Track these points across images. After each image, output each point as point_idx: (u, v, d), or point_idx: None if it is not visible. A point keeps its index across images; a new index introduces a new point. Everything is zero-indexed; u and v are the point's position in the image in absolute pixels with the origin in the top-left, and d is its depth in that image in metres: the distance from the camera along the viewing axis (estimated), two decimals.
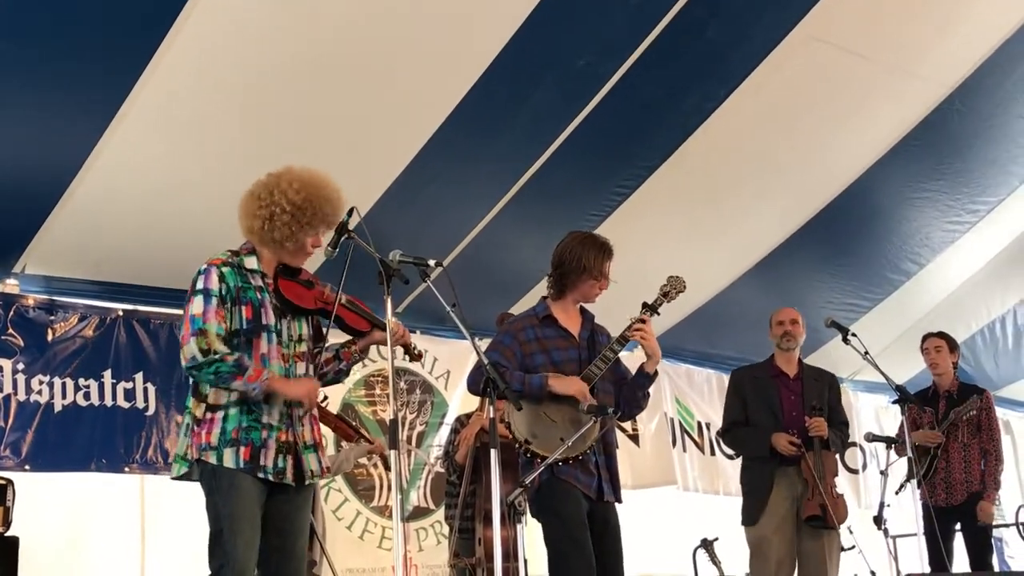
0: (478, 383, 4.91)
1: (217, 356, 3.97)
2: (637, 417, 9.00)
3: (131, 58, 5.43)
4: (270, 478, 4.06)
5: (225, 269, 4.15)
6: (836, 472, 6.60)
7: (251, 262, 4.24)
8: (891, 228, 8.95)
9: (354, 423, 7.14)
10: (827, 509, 6.34)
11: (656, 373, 5.31)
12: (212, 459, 4.00)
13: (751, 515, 6.55)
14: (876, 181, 8.16)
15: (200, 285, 4.09)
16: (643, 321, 5.18)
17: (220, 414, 4.05)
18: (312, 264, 4.63)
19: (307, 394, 4.16)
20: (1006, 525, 10.63)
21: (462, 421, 7.22)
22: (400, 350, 4.49)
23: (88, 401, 6.65)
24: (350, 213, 4.35)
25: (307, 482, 4.20)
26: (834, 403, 6.76)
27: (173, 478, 4.20)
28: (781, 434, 6.48)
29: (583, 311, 5.39)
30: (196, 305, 4.05)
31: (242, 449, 4.02)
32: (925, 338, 7.87)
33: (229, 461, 4.00)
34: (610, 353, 5.16)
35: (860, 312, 9.47)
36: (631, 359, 5.71)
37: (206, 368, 3.97)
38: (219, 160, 6.12)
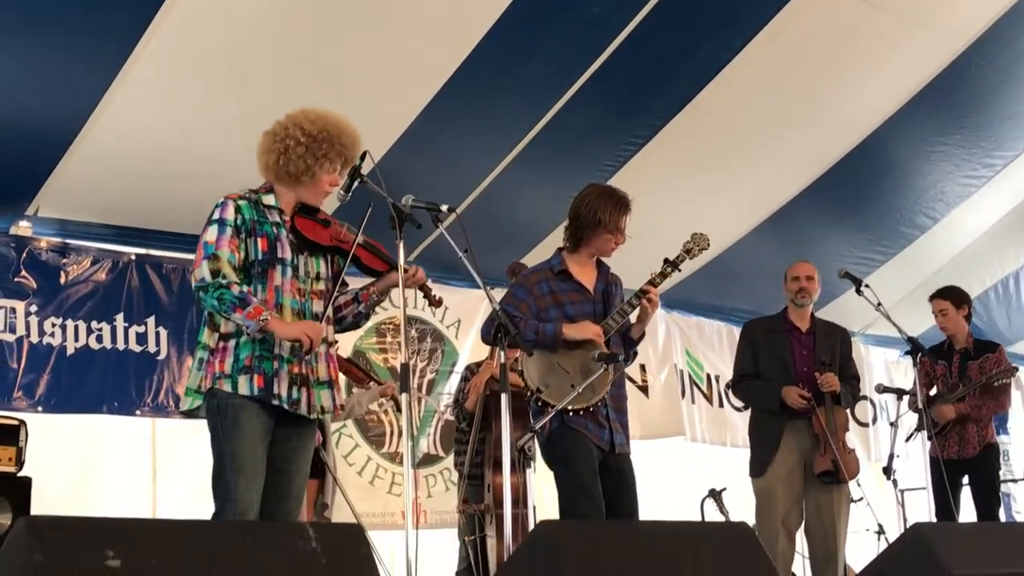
0: (491, 331, 4.92)
1: (225, 282, 3.98)
2: (647, 368, 9.08)
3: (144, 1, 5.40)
4: (284, 406, 4.08)
5: (241, 202, 4.17)
6: (847, 427, 6.60)
7: (269, 199, 4.25)
8: (906, 182, 8.91)
9: (365, 367, 7.17)
10: (839, 464, 6.34)
11: (642, 337, 5.32)
12: (227, 386, 4.02)
13: (759, 467, 6.54)
14: (892, 135, 8.11)
15: (216, 215, 4.12)
16: (653, 284, 5.17)
17: (232, 343, 4.07)
18: (327, 209, 4.63)
19: (303, 333, 4.10)
20: (1014, 480, 10.68)
21: (472, 369, 7.25)
22: (418, 294, 4.50)
23: (100, 344, 6.69)
24: (363, 158, 4.34)
25: (313, 416, 4.21)
26: (845, 358, 6.74)
27: (183, 411, 4.20)
28: (792, 387, 6.47)
29: (599, 263, 5.38)
30: (210, 233, 4.08)
31: (255, 376, 4.04)
32: (931, 299, 7.79)
33: (244, 388, 4.02)
34: (628, 307, 5.17)
35: (873, 266, 9.45)
36: None
37: (212, 290, 3.98)
38: (232, 105, 6.10)
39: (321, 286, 4.30)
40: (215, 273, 3.99)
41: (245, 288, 4.03)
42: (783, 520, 6.40)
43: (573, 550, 3.52)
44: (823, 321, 6.89)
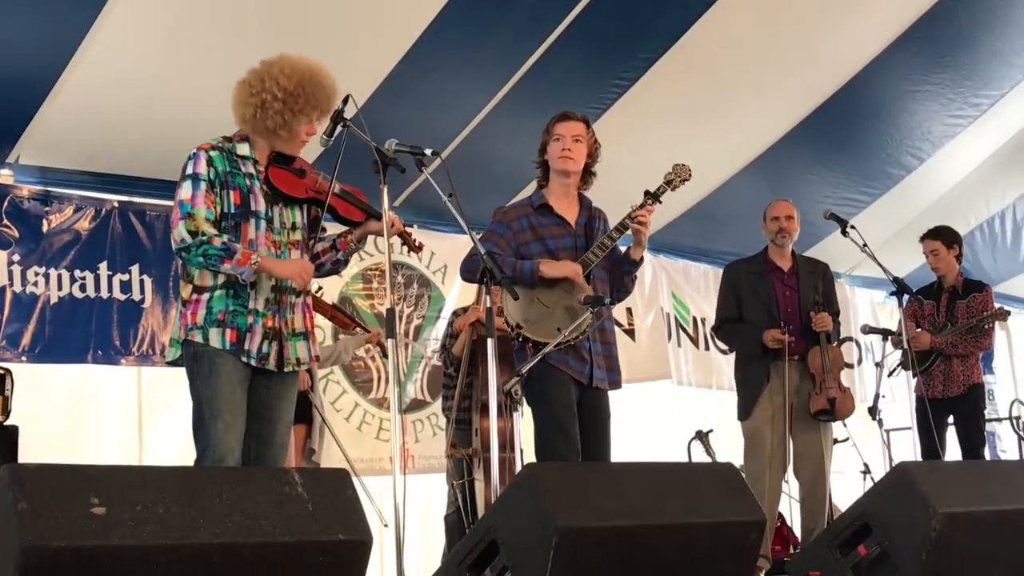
0: (473, 272, 4.92)
1: (205, 238, 3.97)
2: (633, 312, 9.08)
3: None
4: (252, 363, 4.08)
5: (213, 153, 4.13)
6: (842, 366, 6.63)
7: (243, 148, 4.22)
8: (892, 122, 8.88)
9: (351, 313, 7.16)
10: (836, 402, 6.39)
11: (642, 259, 5.31)
12: (198, 338, 4.02)
13: (745, 409, 6.57)
14: (877, 75, 8.07)
15: (189, 170, 4.09)
16: (645, 209, 5.15)
17: (206, 296, 4.07)
18: (309, 153, 4.59)
19: (297, 274, 4.13)
20: (999, 419, 10.74)
21: (458, 314, 7.24)
22: (398, 241, 4.48)
23: (84, 293, 6.66)
24: (345, 101, 4.30)
25: (287, 369, 4.20)
26: (828, 293, 6.75)
27: (168, 362, 4.24)
28: (770, 330, 6.49)
29: (581, 197, 5.37)
30: (185, 190, 4.05)
31: (228, 331, 4.05)
32: (921, 240, 7.78)
33: (215, 341, 4.03)
34: (608, 241, 5.16)
35: (859, 207, 9.43)
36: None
37: (195, 250, 3.97)
38: (213, 50, 6.03)
39: (297, 236, 4.27)
40: (194, 234, 3.97)
41: (225, 237, 4.03)
42: (770, 460, 6.43)
43: (559, 492, 3.53)
44: (804, 258, 6.89)
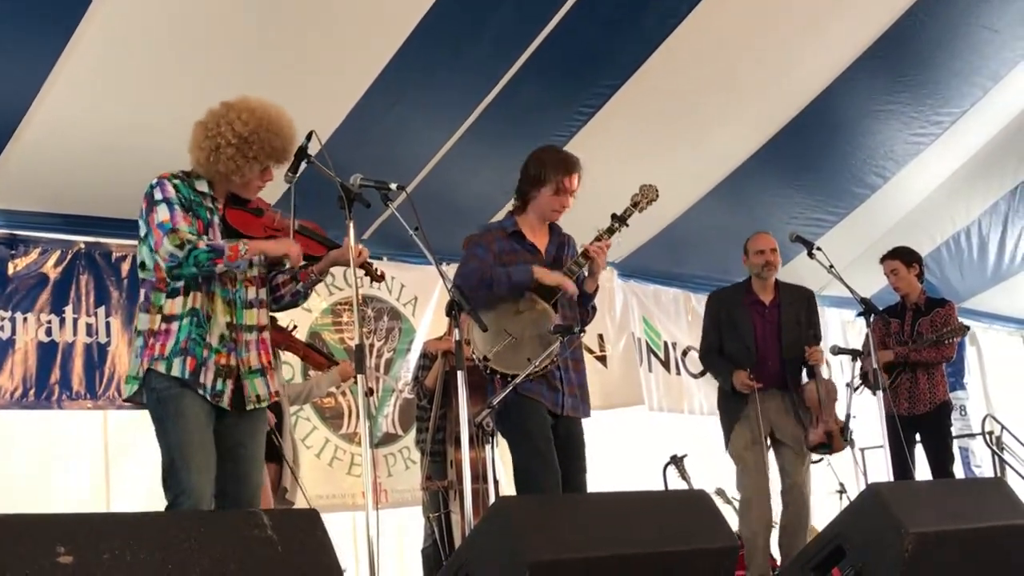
0: (467, 278, 4.94)
1: (191, 246, 3.95)
2: (605, 338, 9.08)
3: None
4: (207, 397, 4.03)
5: (176, 181, 4.12)
6: (836, 398, 6.66)
7: (202, 185, 4.21)
8: (855, 142, 8.94)
9: (324, 350, 7.13)
10: (833, 435, 6.44)
11: (596, 290, 5.31)
12: (161, 367, 3.97)
13: (726, 437, 6.70)
14: (839, 95, 8.13)
15: (158, 196, 4.05)
16: (600, 243, 5.14)
17: (175, 324, 4.03)
18: (275, 190, 4.58)
19: (289, 248, 4.18)
20: (972, 435, 10.79)
21: (428, 355, 7.24)
22: (361, 273, 4.46)
23: (50, 337, 6.60)
24: (309, 137, 4.29)
25: (249, 407, 4.15)
26: (811, 320, 6.81)
27: (124, 399, 4.17)
28: (739, 372, 6.56)
29: (552, 225, 5.37)
30: (161, 212, 4.01)
31: (188, 359, 4.00)
32: (881, 261, 7.86)
33: (176, 370, 3.97)
34: (575, 267, 5.16)
35: (826, 227, 9.49)
36: None
37: (186, 262, 3.95)
38: (176, 89, 6.00)
39: (254, 272, 4.24)
40: (180, 245, 3.94)
41: (206, 239, 4.04)
42: (756, 487, 6.48)
43: (529, 526, 3.51)
44: (787, 287, 6.93)
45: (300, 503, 6.39)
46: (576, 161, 5.25)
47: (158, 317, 4.05)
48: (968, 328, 7.68)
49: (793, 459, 6.58)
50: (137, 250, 4.18)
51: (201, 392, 4.01)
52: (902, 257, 7.76)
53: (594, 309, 5.43)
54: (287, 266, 4.27)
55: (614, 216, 5.26)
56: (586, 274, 5.25)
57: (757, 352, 6.65)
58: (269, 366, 4.26)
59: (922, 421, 7.46)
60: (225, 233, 4.18)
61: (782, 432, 6.60)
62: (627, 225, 5.30)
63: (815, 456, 6.66)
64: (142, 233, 4.10)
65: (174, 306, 4.04)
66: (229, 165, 4.10)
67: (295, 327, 6.50)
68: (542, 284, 5.08)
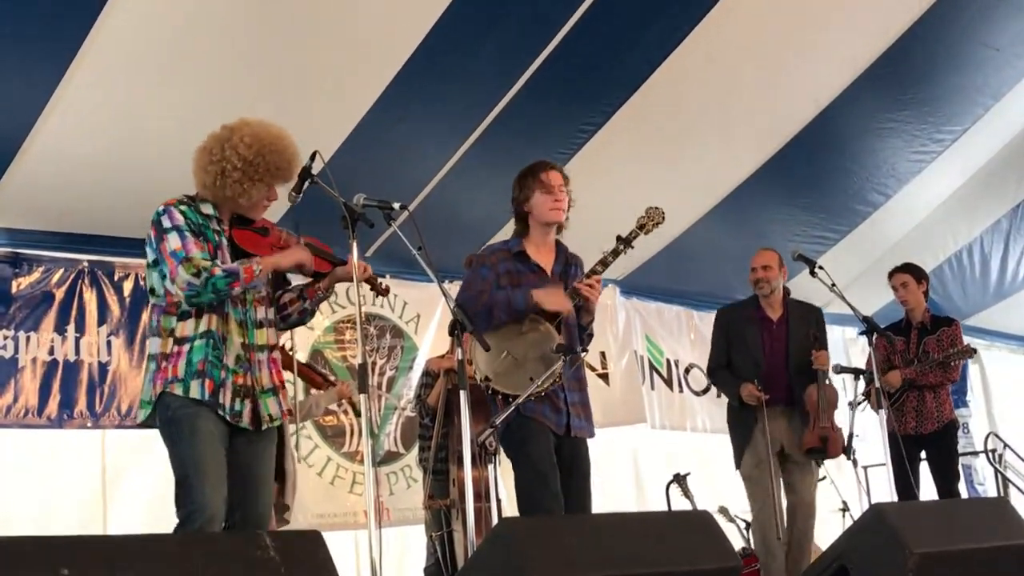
0: (470, 303, 4.94)
1: (207, 272, 3.99)
2: (607, 356, 9.08)
3: (85, 5, 5.34)
4: (227, 417, 4.05)
5: (183, 207, 4.15)
6: (836, 405, 6.66)
7: (207, 208, 4.23)
8: (857, 160, 8.94)
9: (323, 371, 7.12)
10: (828, 440, 6.45)
11: (591, 322, 5.30)
12: (178, 390, 3.99)
13: (736, 456, 6.71)
14: (841, 112, 8.12)
15: (167, 224, 4.08)
16: (591, 279, 5.13)
17: (187, 347, 4.05)
18: (279, 209, 4.59)
19: (302, 256, 4.26)
20: (975, 453, 10.77)
21: (431, 373, 7.24)
22: (366, 287, 4.48)
23: (52, 356, 6.59)
24: (313, 157, 4.32)
25: (264, 427, 4.19)
26: (820, 338, 6.81)
27: (139, 424, 4.18)
28: (747, 385, 6.56)
29: (558, 244, 5.36)
30: (173, 241, 4.04)
31: (207, 381, 4.02)
32: (891, 275, 7.85)
33: (195, 392, 4.00)
34: (573, 296, 5.14)
35: (828, 245, 9.48)
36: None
37: (204, 290, 4.00)
38: (177, 110, 6.02)
39: (263, 292, 4.28)
40: (196, 273, 3.97)
41: (219, 262, 4.06)
42: (766, 504, 6.47)
43: (534, 547, 3.50)
44: (796, 304, 6.94)
45: (294, 521, 6.38)
46: (547, 160, 5.31)
47: (170, 340, 4.08)
48: (975, 351, 7.65)
49: (801, 477, 6.59)
50: (145, 274, 4.20)
51: (220, 412, 4.03)
52: (913, 272, 7.78)
53: (590, 336, 5.42)
54: (304, 271, 4.31)
55: (619, 238, 5.27)
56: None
57: (765, 367, 6.66)
58: (280, 385, 4.31)
59: (929, 440, 7.44)
60: (233, 254, 4.20)
61: (791, 449, 6.61)
62: (632, 247, 5.31)
63: (820, 473, 6.66)
64: (150, 260, 4.13)
65: (185, 328, 4.07)
66: (236, 188, 4.14)
67: (294, 350, 6.50)
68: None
